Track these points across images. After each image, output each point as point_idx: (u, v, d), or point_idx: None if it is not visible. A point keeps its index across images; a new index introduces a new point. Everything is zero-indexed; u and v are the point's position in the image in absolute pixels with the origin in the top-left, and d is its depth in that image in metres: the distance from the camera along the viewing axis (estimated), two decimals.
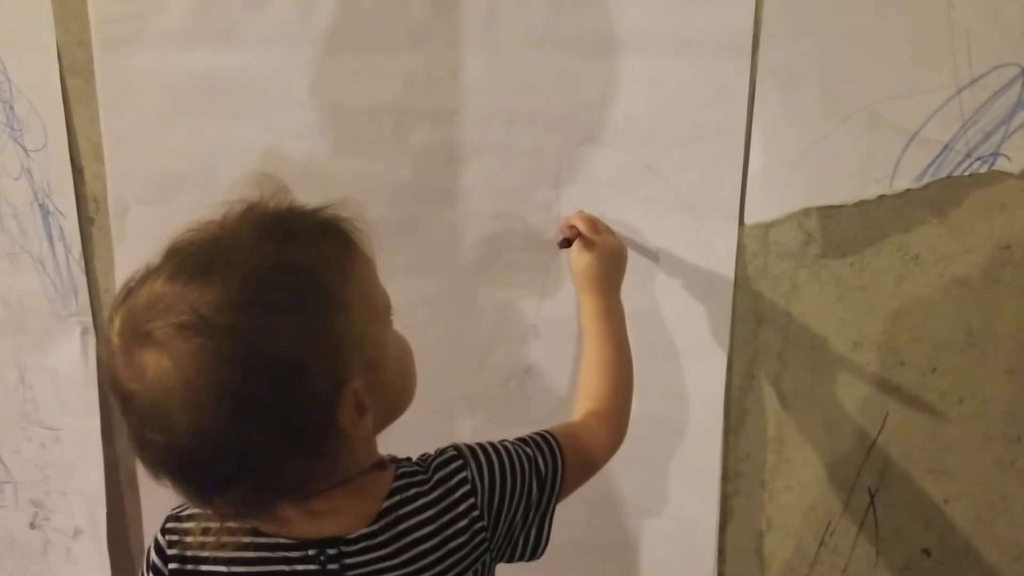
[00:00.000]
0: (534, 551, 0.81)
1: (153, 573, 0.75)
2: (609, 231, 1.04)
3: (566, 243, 1.03)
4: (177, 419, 0.61)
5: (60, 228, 1.20)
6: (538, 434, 0.84)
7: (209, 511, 0.70)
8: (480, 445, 0.80)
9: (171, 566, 0.74)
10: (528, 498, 0.79)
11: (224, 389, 0.61)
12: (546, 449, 0.82)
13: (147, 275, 0.65)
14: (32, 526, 1.36)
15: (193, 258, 0.64)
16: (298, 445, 0.64)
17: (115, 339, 0.64)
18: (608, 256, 1.01)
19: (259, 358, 0.62)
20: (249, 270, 0.63)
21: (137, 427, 0.64)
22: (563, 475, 0.82)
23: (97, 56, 1.11)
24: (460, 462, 0.77)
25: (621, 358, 0.98)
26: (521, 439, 0.83)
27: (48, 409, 1.29)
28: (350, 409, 0.66)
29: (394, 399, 0.75)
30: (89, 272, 1.22)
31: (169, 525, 0.75)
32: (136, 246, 1.17)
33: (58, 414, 1.29)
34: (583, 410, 0.93)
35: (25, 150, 1.18)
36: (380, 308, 0.73)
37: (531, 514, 0.80)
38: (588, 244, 1.01)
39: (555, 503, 0.82)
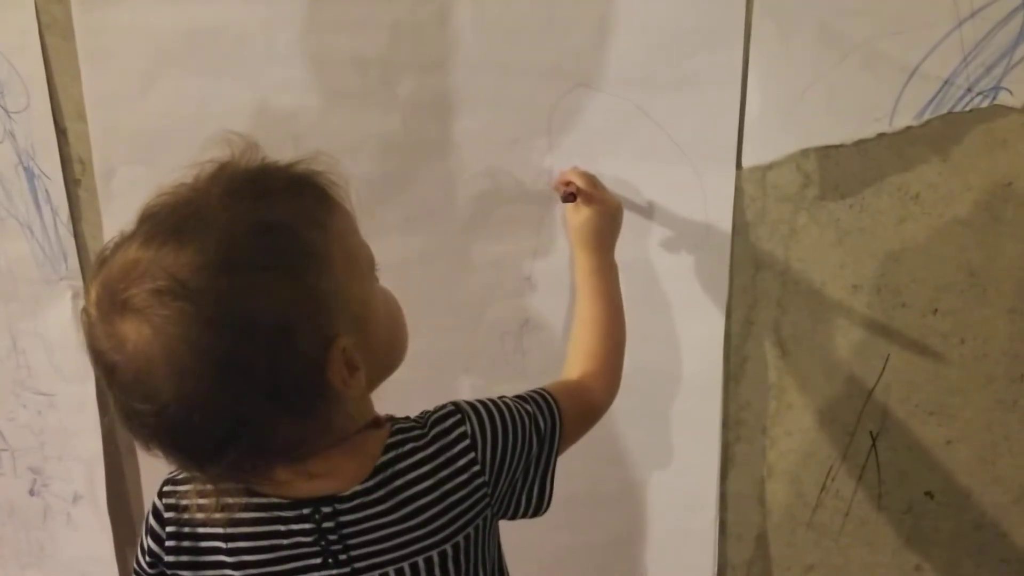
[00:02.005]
0: (538, 507, 0.81)
1: (151, 537, 0.75)
2: (606, 189, 1.03)
3: (571, 197, 1.01)
4: (163, 387, 0.60)
5: (46, 191, 1.18)
6: (535, 392, 0.84)
7: (204, 477, 0.70)
8: (479, 401, 0.79)
9: (168, 529, 0.74)
10: (528, 453, 0.79)
11: (207, 354, 0.59)
12: (544, 406, 0.82)
13: (120, 242, 0.64)
14: (31, 493, 1.36)
15: (166, 221, 0.63)
16: (289, 407, 0.63)
17: (93, 310, 0.62)
18: (607, 213, 1.01)
19: (241, 320, 0.60)
20: (224, 230, 0.62)
21: (123, 398, 0.63)
22: (562, 430, 0.82)
23: (76, 13, 1.08)
24: (459, 416, 0.77)
25: (615, 316, 0.97)
26: (519, 396, 0.83)
27: (42, 375, 1.28)
28: (340, 367, 0.65)
29: (385, 355, 0.74)
30: (77, 235, 1.20)
31: (166, 489, 0.75)
32: (124, 207, 1.13)
33: (52, 380, 1.28)
34: (578, 368, 0.93)
35: (7, 112, 1.15)
36: (363, 262, 0.71)
37: (532, 470, 0.80)
38: (588, 200, 1.00)
39: (556, 458, 0.82)
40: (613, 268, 1.00)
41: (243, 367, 0.60)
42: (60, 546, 1.38)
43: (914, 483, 1.15)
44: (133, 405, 0.62)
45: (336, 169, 0.70)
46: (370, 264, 0.72)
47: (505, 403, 0.80)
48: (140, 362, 0.60)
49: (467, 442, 0.75)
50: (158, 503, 0.75)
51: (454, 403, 0.78)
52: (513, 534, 0.85)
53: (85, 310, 0.63)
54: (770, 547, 1.21)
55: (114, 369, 0.61)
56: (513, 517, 0.80)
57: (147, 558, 0.75)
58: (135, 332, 0.60)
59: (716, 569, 1.22)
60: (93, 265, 0.64)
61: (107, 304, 0.61)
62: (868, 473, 1.15)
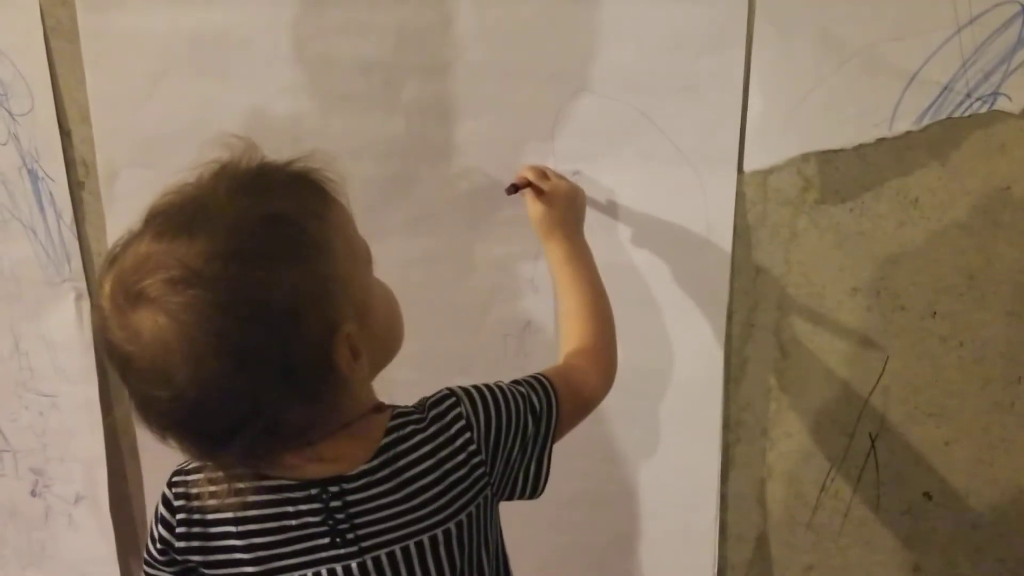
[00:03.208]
0: (534, 488, 0.82)
1: (163, 525, 0.76)
2: (560, 177, 1.04)
3: (513, 189, 1.03)
4: (179, 373, 0.62)
5: (50, 193, 1.19)
6: (531, 376, 0.86)
7: (215, 465, 0.71)
8: (474, 385, 0.81)
9: (179, 516, 0.75)
10: (524, 432, 0.80)
11: (222, 338, 0.61)
12: (539, 387, 0.84)
13: (131, 239, 0.66)
14: (33, 494, 1.36)
15: (176, 217, 0.65)
16: (299, 389, 0.65)
17: (106, 304, 0.64)
18: (561, 201, 1.02)
19: (253, 305, 0.62)
20: (232, 223, 0.64)
21: (139, 388, 0.64)
22: (558, 411, 0.83)
23: (81, 16, 1.09)
24: (454, 399, 0.79)
25: (597, 298, 0.98)
26: (514, 380, 0.85)
27: (45, 376, 1.29)
28: (345, 352, 0.67)
29: (384, 343, 0.76)
30: (81, 237, 1.21)
31: (176, 479, 0.76)
32: (127, 210, 1.12)
33: (55, 381, 1.28)
34: (571, 354, 0.94)
35: (11, 115, 1.16)
36: (362, 254, 0.74)
37: (528, 449, 0.81)
38: (538, 192, 1.01)
39: (552, 439, 0.83)
40: (585, 252, 1.01)
41: (256, 350, 0.62)
42: (61, 547, 1.38)
43: (912, 484, 1.16)
44: (150, 393, 0.64)
45: (332, 166, 0.72)
46: (367, 256, 0.75)
47: (499, 386, 0.82)
48: (157, 349, 0.62)
49: (463, 423, 0.77)
50: (167, 492, 0.76)
51: (449, 388, 0.80)
52: (514, 533, 0.85)
53: (97, 305, 0.65)
54: (770, 548, 1.22)
55: (130, 359, 0.63)
56: (511, 497, 0.82)
57: (158, 545, 0.77)
58: (151, 321, 0.61)
59: (716, 569, 1.22)
60: (103, 263, 0.66)
61: (121, 297, 0.63)
62: (867, 474, 1.16)
